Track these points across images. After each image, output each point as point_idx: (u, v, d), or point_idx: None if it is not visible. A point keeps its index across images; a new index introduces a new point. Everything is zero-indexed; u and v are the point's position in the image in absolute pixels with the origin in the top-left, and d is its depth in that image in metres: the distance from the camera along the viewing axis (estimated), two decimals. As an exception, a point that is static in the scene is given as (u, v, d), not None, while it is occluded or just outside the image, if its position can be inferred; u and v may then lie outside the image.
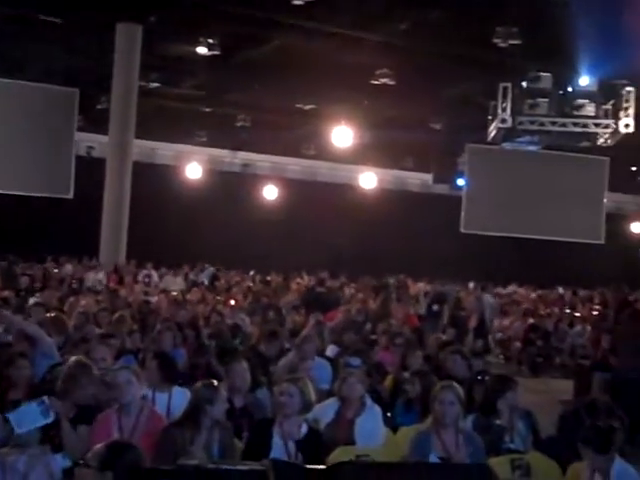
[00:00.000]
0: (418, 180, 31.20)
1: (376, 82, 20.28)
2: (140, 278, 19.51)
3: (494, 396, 5.96)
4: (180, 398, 5.90)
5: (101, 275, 18.64)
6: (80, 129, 22.89)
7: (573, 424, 5.43)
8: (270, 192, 29.16)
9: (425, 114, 24.46)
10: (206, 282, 20.74)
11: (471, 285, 22.71)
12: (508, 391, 5.93)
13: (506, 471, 5.25)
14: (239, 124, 26.61)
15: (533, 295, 24.04)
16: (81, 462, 3.73)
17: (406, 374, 7.36)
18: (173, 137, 28.06)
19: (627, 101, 18.96)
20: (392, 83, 20.15)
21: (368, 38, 18.70)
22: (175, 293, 15.89)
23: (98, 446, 3.83)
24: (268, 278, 21.55)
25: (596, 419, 5.14)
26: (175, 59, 21.75)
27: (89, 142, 25.78)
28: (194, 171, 27.65)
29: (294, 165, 30.71)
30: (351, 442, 5.68)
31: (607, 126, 19.36)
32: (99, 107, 23.28)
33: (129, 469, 3.65)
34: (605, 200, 26.49)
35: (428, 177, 30.21)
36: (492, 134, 20.44)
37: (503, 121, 19.21)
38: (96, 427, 5.24)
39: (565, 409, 6.47)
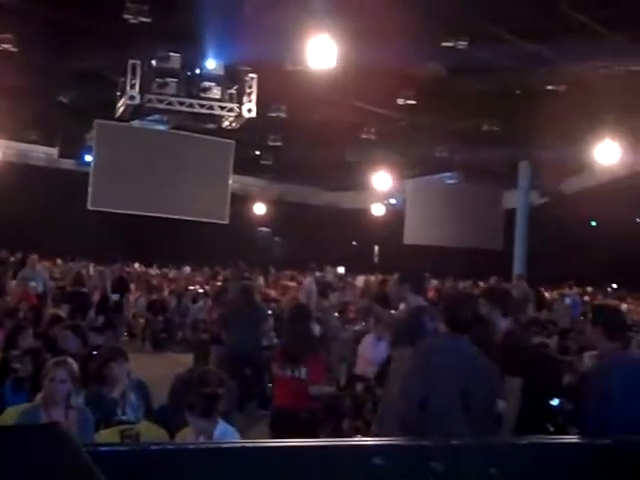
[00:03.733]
0: (43, 154, 29.94)
1: (-2, 48, 19.02)
2: None
3: (104, 368, 5.98)
4: None
5: None
6: None
7: (183, 393, 5.60)
8: None
9: (52, 86, 23.43)
10: None
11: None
12: (117, 362, 5.98)
13: (115, 441, 5.29)
14: None
15: (158, 272, 24.38)
16: None
17: (17, 352, 7.09)
18: None
19: (250, 87, 19.83)
20: (15, 50, 19.01)
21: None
22: None
23: None
24: None
25: (203, 387, 5.35)
26: None
27: None
28: None
29: None
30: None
31: (232, 109, 20.10)
32: None
33: None
34: (230, 182, 27.56)
35: (54, 151, 29.19)
36: (120, 110, 20.27)
37: (131, 98, 19.12)
38: None
39: (177, 380, 6.65)
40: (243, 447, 2.49)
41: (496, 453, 2.11)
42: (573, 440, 2.03)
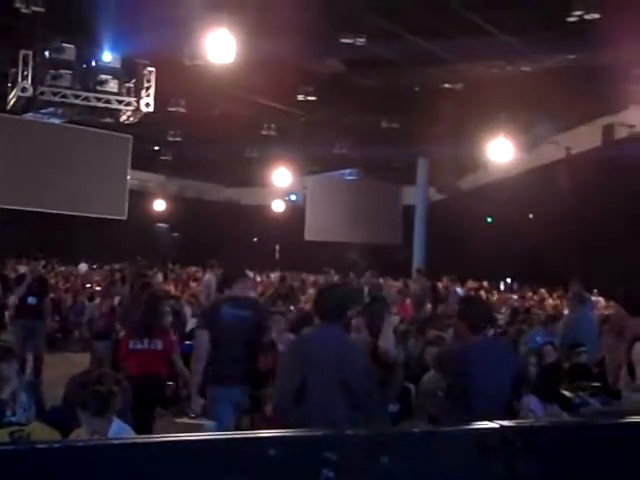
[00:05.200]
0: None
1: None
2: None
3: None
4: None
5: None
6: None
7: (77, 393, 5.47)
8: None
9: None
10: None
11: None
12: (7, 362, 5.81)
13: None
14: None
15: (52, 270, 23.72)
16: None
17: None
18: None
19: (148, 81, 19.45)
20: None
21: None
22: None
23: None
24: None
25: (97, 386, 5.23)
26: None
27: None
28: None
29: None
30: None
31: (129, 104, 19.67)
32: None
33: None
34: (129, 177, 27.10)
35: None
36: (12, 102, 19.60)
37: (23, 90, 18.47)
38: None
39: (71, 381, 6.48)
40: (134, 443, 2.42)
41: (387, 442, 2.13)
42: (463, 427, 2.08)
